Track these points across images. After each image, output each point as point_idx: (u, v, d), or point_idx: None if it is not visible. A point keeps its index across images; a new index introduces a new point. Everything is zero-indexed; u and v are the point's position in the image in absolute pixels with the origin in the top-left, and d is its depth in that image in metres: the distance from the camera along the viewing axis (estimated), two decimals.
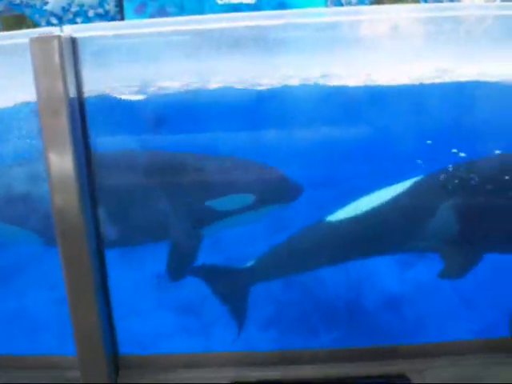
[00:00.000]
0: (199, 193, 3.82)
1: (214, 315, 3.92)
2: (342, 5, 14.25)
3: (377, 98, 3.49)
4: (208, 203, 3.91)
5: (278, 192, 3.83)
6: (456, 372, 3.12)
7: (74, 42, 3.25)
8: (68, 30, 3.26)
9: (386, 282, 3.82)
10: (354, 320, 3.74)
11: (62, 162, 3.17)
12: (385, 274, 3.83)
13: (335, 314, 3.77)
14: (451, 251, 3.79)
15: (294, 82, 3.57)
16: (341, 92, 3.54)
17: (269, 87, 3.51)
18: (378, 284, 3.81)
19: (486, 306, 3.45)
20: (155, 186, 3.75)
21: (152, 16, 13.48)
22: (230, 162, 3.84)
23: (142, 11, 13.57)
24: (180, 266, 4.06)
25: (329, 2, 14.32)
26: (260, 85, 3.51)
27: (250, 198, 3.89)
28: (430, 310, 3.77)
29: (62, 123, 3.13)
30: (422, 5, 10.62)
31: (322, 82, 3.54)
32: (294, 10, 8.71)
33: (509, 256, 3.25)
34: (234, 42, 3.17)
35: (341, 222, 3.95)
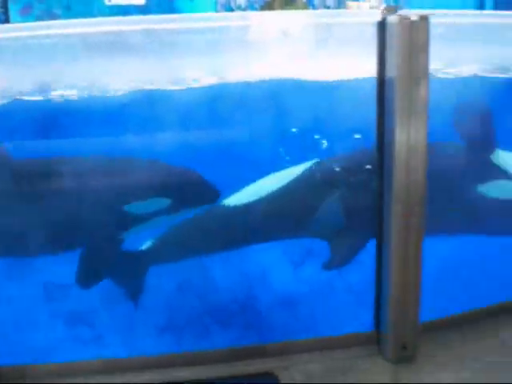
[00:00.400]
0: (113, 197, 3.77)
1: (101, 323, 3.87)
2: (231, 10, 14.49)
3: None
4: (124, 207, 3.86)
5: (195, 195, 3.82)
6: (323, 367, 3.24)
7: None
8: None
9: (256, 280, 3.90)
10: (220, 320, 3.77)
11: None
12: (256, 271, 3.92)
13: (204, 314, 3.81)
14: (336, 239, 3.97)
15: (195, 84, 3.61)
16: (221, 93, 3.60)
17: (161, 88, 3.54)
18: (246, 282, 3.88)
19: (353, 301, 3.61)
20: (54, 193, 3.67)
21: (39, 18, 13.09)
22: (141, 164, 3.80)
23: (27, 13, 13.16)
24: (95, 273, 4.00)
25: (219, 7, 14.50)
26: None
27: (166, 202, 3.87)
28: (298, 307, 3.86)
29: None
30: (309, 11, 10.99)
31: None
32: (184, 14, 8.77)
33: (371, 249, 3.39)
34: (122, 46, 3.18)
35: (232, 207, 4.01)
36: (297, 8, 12.58)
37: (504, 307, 3.58)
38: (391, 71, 2.75)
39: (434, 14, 2.77)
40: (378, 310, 3.21)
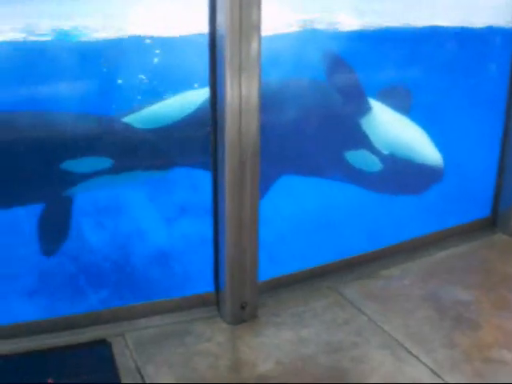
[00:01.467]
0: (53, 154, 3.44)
1: None
2: None
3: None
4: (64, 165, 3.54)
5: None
6: (159, 331, 3.16)
7: None
8: None
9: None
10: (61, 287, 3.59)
11: None
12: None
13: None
14: None
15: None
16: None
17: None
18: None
19: (195, 262, 3.54)
20: None
21: None
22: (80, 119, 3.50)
23: None
24: (55, 234, 3.70)
25: None
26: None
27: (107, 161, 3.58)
28: (135, 272, 3.76)
29: None
30: None
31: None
32: None
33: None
34: None
35: None
36: None
37: (343, 263, 3.69)
38: (221, 26, 2.67)
39: None
40: (217, 271, 3.18)
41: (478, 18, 4.24)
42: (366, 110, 4.09)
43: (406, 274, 3.67)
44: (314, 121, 3.98)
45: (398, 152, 4.17)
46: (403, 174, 4.25)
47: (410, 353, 2.90)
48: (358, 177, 4.20)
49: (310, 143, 4.03)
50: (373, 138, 4.10)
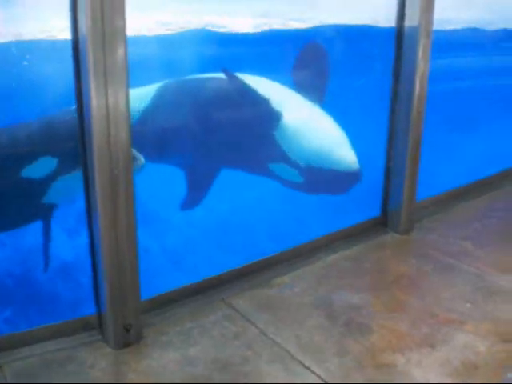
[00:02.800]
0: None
1: None
2: None
3: None
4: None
5: None
6: (41, 360, 2.85)
7: None
8: None
9: None
10: None
11: None
12: None
13: None
14: None
15: None
16: None
17: None
18: None
19: (75, 284, 3.34)
20: None
21: None
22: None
23: None
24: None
25: None
26: None
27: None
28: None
29: None
30: None
31: None
32: None
33: None
34: None
35: None
36: None
37: (236, 273, 3.57)
38: (83, 31, 2.48)
39: None
40: (97, 292, 2.97)
41: (359, 18, 4.27)
42: (275, 119, 4.05)
43: (298, 280, 3.59)
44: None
45: (314, 162, 4.16)
46: (324, 181, 4.26)
47: (303, 365, 2.81)
48: (284, 183, 4.20)
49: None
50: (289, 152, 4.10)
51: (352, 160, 4.22)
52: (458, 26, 6.00)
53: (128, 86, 2.56)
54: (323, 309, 3.28)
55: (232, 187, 4.31)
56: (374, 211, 4.26)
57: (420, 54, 3.80)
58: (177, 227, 3.72)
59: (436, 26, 3.78)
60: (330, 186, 4.34)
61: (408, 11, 3.80)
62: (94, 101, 2.49)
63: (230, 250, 3.67)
